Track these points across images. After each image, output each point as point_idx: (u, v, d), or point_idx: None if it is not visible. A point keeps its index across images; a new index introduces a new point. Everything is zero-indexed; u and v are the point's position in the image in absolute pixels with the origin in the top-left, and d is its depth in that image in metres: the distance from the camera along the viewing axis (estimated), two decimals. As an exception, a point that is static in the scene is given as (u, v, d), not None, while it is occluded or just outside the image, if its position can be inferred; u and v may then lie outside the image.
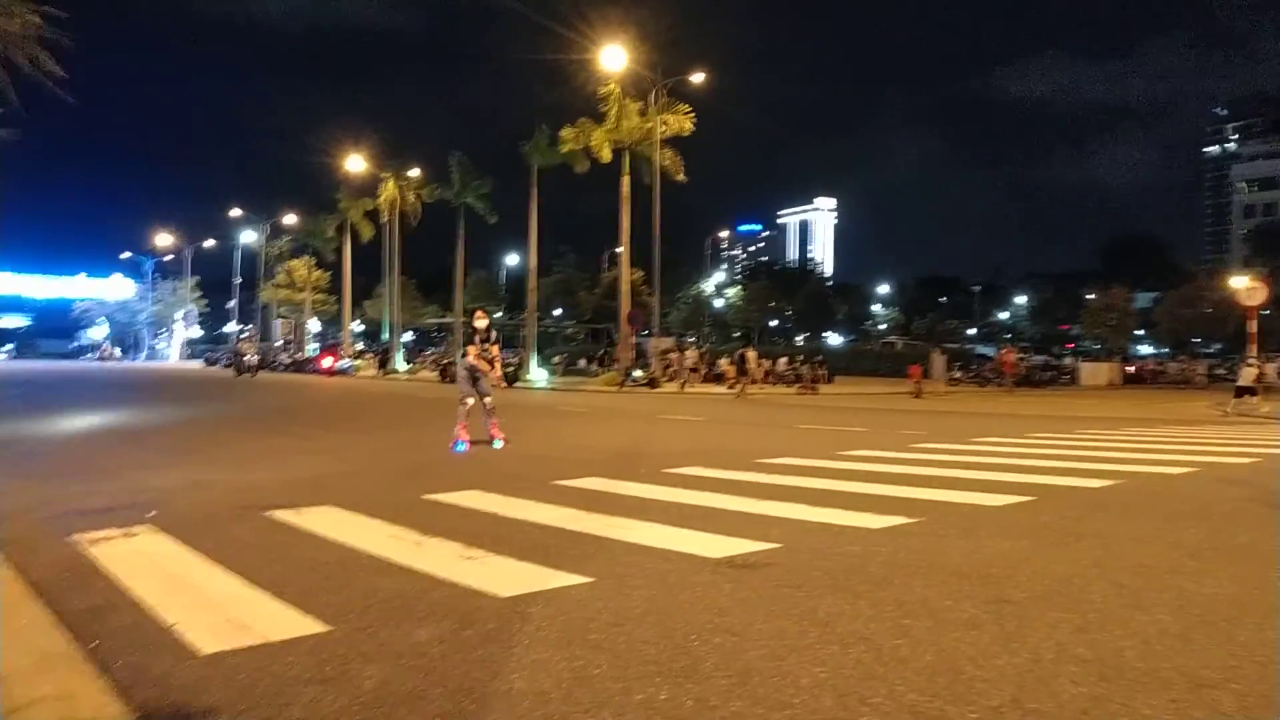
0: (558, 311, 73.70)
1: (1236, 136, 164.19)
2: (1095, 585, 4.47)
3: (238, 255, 75.01)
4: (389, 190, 49.77)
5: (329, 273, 70.03)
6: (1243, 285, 30.40)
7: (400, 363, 49.63)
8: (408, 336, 74.10)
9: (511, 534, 5.78)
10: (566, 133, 36.98)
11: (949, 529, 5.95)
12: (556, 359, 46.71)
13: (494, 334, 11.78)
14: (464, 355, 11.71)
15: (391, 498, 7.26)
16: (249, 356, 45.13)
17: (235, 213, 69.95)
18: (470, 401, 11.24)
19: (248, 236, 72.23)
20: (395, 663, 3.33)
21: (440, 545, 5.42)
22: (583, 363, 47.85)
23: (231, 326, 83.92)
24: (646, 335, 43.30)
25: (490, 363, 11.55)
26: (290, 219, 64.33)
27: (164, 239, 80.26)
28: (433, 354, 53.93)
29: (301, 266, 68.41)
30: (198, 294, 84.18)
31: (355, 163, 49.83)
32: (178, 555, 5.12)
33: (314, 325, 72.84)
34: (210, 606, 4.07)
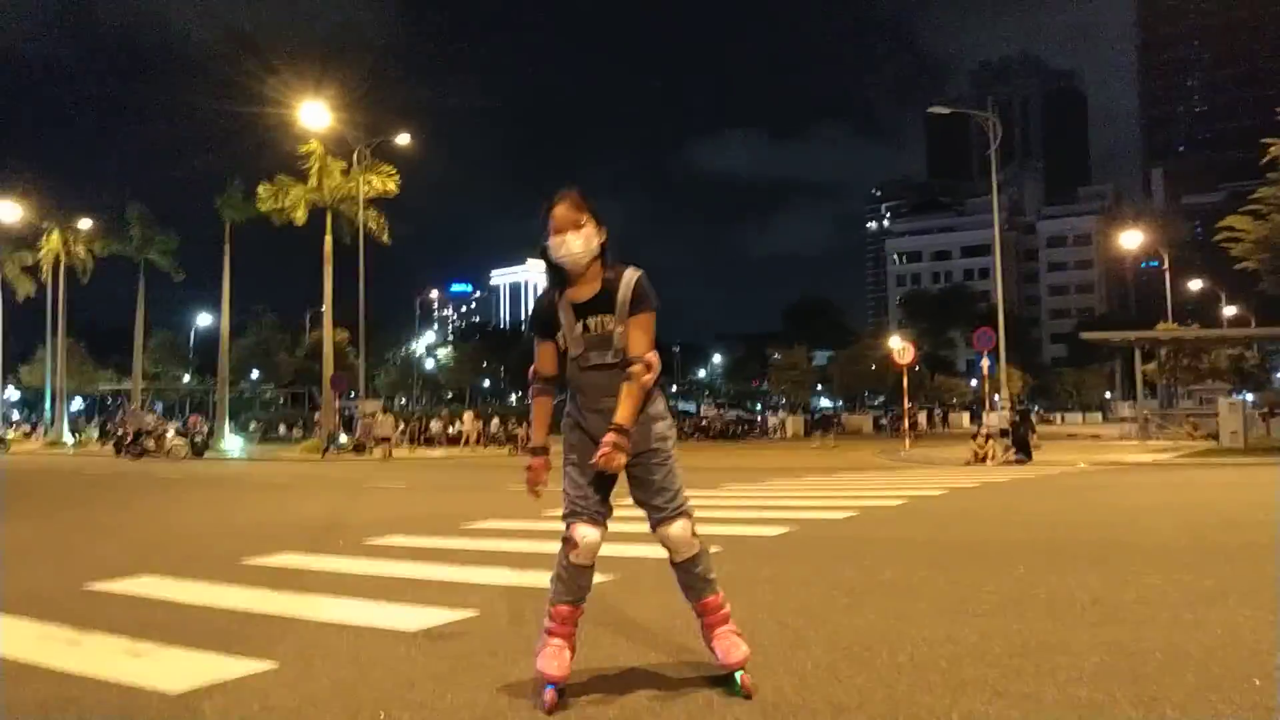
0: (255, 375, 69.17)
1: (889, 215, 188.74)
2: (766, 627, 4.90)
3: None
4: (52, 243, 44.64)
5: (-26, 333, 61.21)
6: (897, 346, 34.81)
7: (66, 434, 44.30)
8: (77, 404, 66.30)
9: (189, 622, 5.35)
10: (264, 189, 35.23)
11: (643, 584, 6.25)
12: (253, 426, 43.85)
13: (650, 297, 3.68)
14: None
15: (44, 590, 6.46)
16: (169, 432, 30.16)
17: None
18: (592, 538, 3.69)
19: None
20: (35, 783, 2.99)
21: (102, 642, 4.90)
22: (283, 429, 45.23)
23: None
24: (353, 399, 41.77)
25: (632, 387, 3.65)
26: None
27: None
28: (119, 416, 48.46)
29: (-65, 325, 59.18)
30: None
31: (8, 210, 44.22)
32: None
33: (-46, 393, 63.06)
34: None
